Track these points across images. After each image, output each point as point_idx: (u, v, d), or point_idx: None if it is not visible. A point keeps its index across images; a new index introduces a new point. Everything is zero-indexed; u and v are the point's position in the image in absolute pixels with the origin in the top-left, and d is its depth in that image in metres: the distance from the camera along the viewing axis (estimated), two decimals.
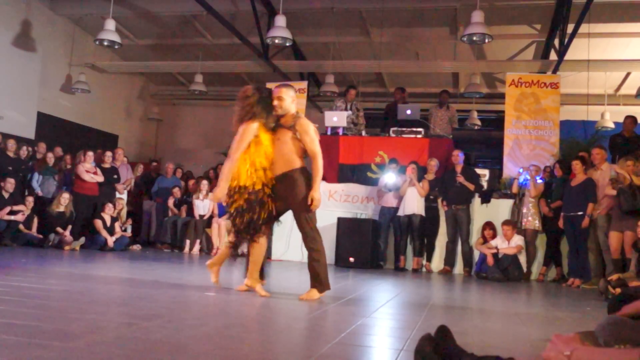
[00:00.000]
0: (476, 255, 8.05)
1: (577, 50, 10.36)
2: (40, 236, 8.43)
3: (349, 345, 2.57)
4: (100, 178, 9.04)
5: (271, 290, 4.46)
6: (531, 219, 7.83)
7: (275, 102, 4.21)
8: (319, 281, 4.21)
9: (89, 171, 8.95)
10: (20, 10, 11.37)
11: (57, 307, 3.09)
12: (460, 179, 8.15)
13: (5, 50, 11.05)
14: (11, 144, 8.95)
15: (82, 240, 8.46)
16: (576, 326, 3.44)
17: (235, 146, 4.11)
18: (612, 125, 11.67)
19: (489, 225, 7.89)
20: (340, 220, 8.29)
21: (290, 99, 4.26)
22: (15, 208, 8.31)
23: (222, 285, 4.48)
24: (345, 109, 9.74)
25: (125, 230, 9.10)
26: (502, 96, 10.89)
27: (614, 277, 5.48)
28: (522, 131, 9.41)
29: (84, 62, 12.89)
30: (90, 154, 9.08)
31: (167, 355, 2.09)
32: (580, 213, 7.07)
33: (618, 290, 5.06)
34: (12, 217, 8.19)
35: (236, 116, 4.19)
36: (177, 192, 10.00)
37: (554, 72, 10.67)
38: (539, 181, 8.00)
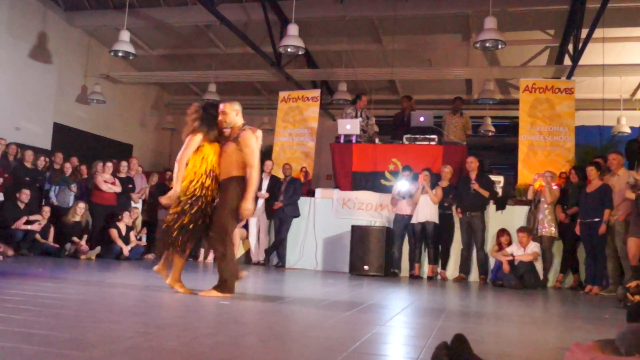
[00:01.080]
0: (492, 262, 7.99)
1: (592, 55, 10.28)
2: (57, 246, 8.50)
3: (364, 354, 2.55)
4: (118, 189, 9.12)
5: (285, 298, 4.45)
6: (547, 226, 7.75)
7: (220, 117, 4.55)
8: (221, 284, 4.42)
9: (107, 181, 9.04)
10: (36, 23, 11.55)
11: (73, 316, 3.11)
12: (475, 185, 8.10)
13: (22, 63, 11.22)
14: (29, 155, 9.07)
15: (98, 249, 8.52)
16: (595, 334, 3.39)
17: (180, 154, 4.54)
18: (628, 131, 11.54)
19: (504, 232, 7.83)
20: (354, 228, 8.27)
21: (234, 113, 4.57)
22: (32, 218, 8.40)
23: (236, 294, 4.48)
24: (356, 117, 9.74)
25: (140, 240, 9.15)
26: (516, 102, 10.83)
27: (633, 284, 5.39)
28: (537, 137, 9.32)
29: (99, 73, 13.05)
30: (109, 165, 9.18)
31: None
32: (596, 219, 6.99)
33: (637, 297, 4.99)
34: (29, 227, 8.27)
35: (184, 129, 4.64)
36: None
37: (569, 77, 10.59)
38: (554, 187, 7.92)
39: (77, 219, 8.70)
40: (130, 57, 9.87)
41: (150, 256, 9.19)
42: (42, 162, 9.25)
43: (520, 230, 7.61)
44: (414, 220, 8.27)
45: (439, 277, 8.34)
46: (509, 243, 7.70)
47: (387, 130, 11.18)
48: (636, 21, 10.19)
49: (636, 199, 6.47)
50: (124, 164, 9.62)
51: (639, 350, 1.89)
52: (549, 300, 6.41)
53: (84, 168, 9.81)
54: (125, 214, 8.81)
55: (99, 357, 2.12)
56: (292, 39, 8.94)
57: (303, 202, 9.07)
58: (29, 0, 11.28)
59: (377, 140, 9.70)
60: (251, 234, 9.05)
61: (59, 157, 9.86)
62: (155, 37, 12.69)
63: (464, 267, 8.23)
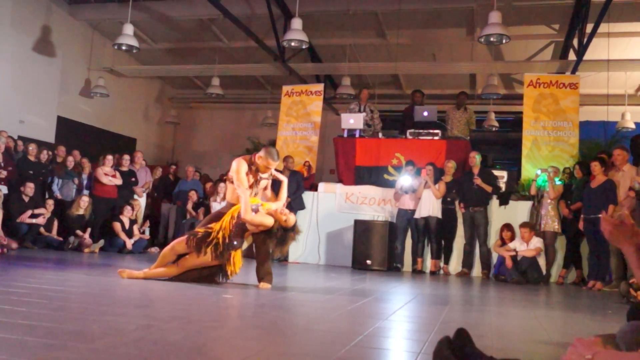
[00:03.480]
0: (494, 257, 7.98)
1: (597, 50, 10.23)
2: (60, 239, 8.52)
3: (366, 348, 2.56)
4: (118, 181, 9.14)
5: (288, 292, 4.46)
6: (550, 221, 7.74)
7: (263, 170, 4.92)
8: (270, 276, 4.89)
9: (107, 174, 9.06)
10: (40, 16, 11.55)
11: (77, 308, 3.12)
12: (478, 181, 8.09)
13: (26, 56, 11.23)
14: (32, 148, 9.08)
15: (101, 242, 8.55)
16: (597, 329, 3.39)
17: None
18: (632, 126, 11.50)
19: (507, 227, 7.82)
20: (357, 223, 8.27)
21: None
22: (37, 212, 8.42)
23: (239, 287, 4.50)
24: (360, 111, 9.73)
25: (143, 233, 9.16)
26: (520, 97, 10.79)
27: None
28: (541, 132, 9.29)
29: (102, 66, 13.05)
30: (109, 157, 9.19)
31: (186, 357, 2.10)
32: (600, 215, 6.95)
33: None
34: (34, 221, 8.30)
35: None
36: (193, 195, 10.06)
37: (573, 72, 10.54)
38: (558, 183, 7.90)
39: (81, 212, 8.72)
40: (134, 51, 9.85)
41: (154, 249, 9.21)
42: (45, 155, 9.27)
43: (523, 225, 7.60)
44: (416, 215, 8.27)
45: (441, 272, 8.34)
46: (512, 238, 7.69)
47: (390, 124, 11.16)
48: None
49: (637, 196, 6.45)
50: (126, 157, 9.63)
51: None
52: (552, 295, 6.41)
53: (85, 161, 9.83)
54: (127, 208, 8.82)
55: (103, 349, 2.13)
56: (296, 33, 8.91)
57: (306, 197, 9.08)
58: None
59: (380, 135, 9.69)
60: None
61: (61, 151, 9.89)
62: (158, 31, 12.68)
63: (467, 262, 8.23)
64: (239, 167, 4.76)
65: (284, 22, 10.78)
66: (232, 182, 4.89)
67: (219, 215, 4.90)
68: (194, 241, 4.59)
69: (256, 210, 4.65)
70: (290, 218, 4.79)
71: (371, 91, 13.18)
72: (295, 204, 8.85)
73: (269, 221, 4.64)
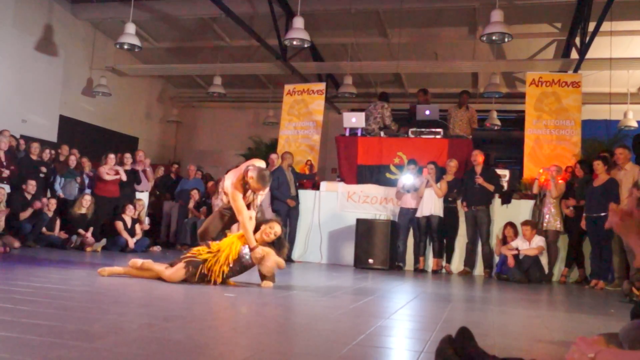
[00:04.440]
0: (497, 256, 7.97)
1: (599, 48, 10.21)
2: (65, 235, 8.53)
3: (368, 347, 2.56)
4: (123, 176, 9.14)
5: (290, 291, 4.46)
6: (552, 220, 7.73)
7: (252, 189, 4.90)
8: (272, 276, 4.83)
9: (109, 173, 9.07)
10: (42, 15, 11.57)
11: (79, 307, 3.12)
12: (480, 180, 8.07)
13: (28, 55, 11.24)
14: (35, 147, 9.09)
15: (104, 241, 8.55)
16: (600, 328, 3.38)
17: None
18: (635, 125, 11.48)
19: (510, 225, 7.80)
20: (359, 222, 8.27)
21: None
22: (36, 207, 8.36)
23: (241, 287, 4.50)
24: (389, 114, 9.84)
25: (144, 223, 9.14)
26: (522, 96, 10.78)
27: None
28: (543, 131, 9.27)
29: (104, 65, 13.07)
30: (111, 156, 9.20)
31: (188, 356, 2.10)
32: (603, 214, 6.95)
33: None
34: (33, 208, 8.25)
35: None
36: (195, 194, 10.07)
37: (575, 71, 10.52)
38: (560, 182, 7.89)
39: (83, 211, 8.72)
40: (136, 50, 9.86)
41: (156, 248, 9.22)
42: (47, 154, 9.28)
43: (524, 223, 7.58)
44: (418, 214, 8.26)
45: (443, 270, 8.34)
46: (515, 237, 7.66)
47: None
48: None
49: None
50: (127, 156, 9.64)
51: None
52: (554, 294, 6.40)
53: (85, 160, 9.83)
54: (129, 207, 8.82)
55: (105, 348, 2.13)
56: (298, 32, 8.91)
57: (308, 195, 9.09)
58: None
59: (382, 134, 9.69)
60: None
61: (64, 150, 9.90)
62: (160, 30, 12.68)
63: (469, 261, 8.22)
64: (234, 196, 4.77)
65: (286, 21, 10.78)
66: (226, 194, 4.95)
67: (221, 219, 4.91)
68: (190, 270, 4.53)
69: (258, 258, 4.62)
70: (276, 229, 4.73)
71: (372, 90, 13.21)
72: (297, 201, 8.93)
73: (274, 255, 4.65)
